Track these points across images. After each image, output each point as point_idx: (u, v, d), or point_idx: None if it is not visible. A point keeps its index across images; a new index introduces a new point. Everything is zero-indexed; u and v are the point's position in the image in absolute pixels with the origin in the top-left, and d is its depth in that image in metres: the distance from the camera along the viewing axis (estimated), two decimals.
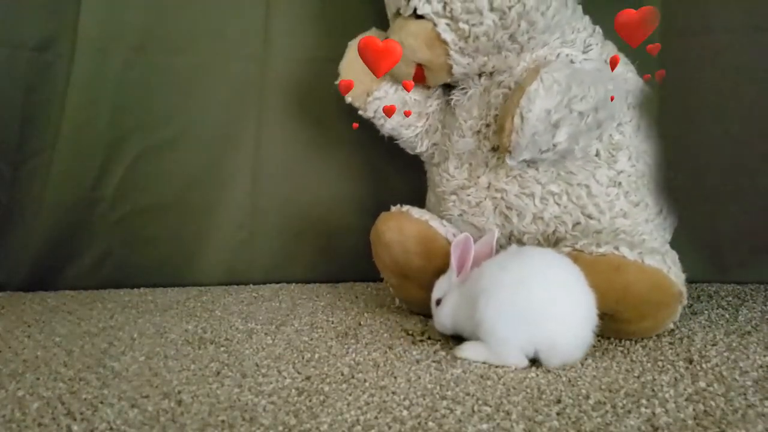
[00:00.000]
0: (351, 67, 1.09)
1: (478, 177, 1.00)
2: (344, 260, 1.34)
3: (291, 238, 1.34)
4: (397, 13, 1.02)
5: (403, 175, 1.29)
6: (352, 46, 1.10)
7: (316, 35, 1.30)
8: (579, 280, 0.80)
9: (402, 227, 0.99)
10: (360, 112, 1.11)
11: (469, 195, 1.01)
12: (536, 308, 0.76)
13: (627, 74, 1.03)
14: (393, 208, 1.04)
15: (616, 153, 0.97)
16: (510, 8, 0.92)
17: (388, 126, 1.10)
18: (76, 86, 1.23)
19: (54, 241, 1.26)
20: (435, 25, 0.96)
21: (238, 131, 1.31)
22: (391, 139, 1.14)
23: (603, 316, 0.82)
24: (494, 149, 0.99)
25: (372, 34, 1.09)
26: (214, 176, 1.31)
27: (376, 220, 1.04)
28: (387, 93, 1.08)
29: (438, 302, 0.89)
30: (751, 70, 1.17)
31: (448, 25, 0.96)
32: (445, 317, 0.88)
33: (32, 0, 1.22)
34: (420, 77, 1.02)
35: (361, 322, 1.00)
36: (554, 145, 0.89)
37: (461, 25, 0.95)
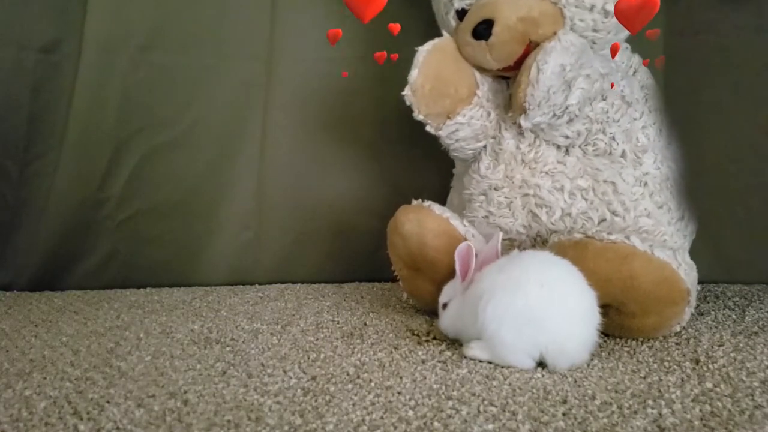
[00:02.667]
0: (432, 77, 1.00)
1: (513, 176, 1.00)
2: (350, 260, 1.34)
3: (296, 239, 1.34)
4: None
5: (410, 176, 1.29)
6: (429, 55, 1.01)
7: (321, 35, 1.29)
8: (578, 280, 0.80)
9: (422, 220, 0.99)
10: (428, 128, 1.03)
11: (500, 195, 1.01)
12: (535, 310, 0.76)
13: (646, 80, 1.06)
14: (414, 202, 1.03)
15: (641, 155, 1.00)
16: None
17: (457, 145, 1.05)
18: (83, 87, 1.23)
19: (60, 240, 1.26)
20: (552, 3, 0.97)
21: (244, 131, 1.31)
22: (398, 140, 1.14)
23: (608, 309, 0.81)
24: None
25: (445, 42, 1.03)
26: (220, 176, 1.31)
27: (385, 219, 1.05)
28: (471, 118, 1.02)
29: (444, 306, 0.89)
30: (755, 69, 1.16)
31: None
32: (449, 321, 0.88)
33: (39, 1, 1.23)
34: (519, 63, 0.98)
35: (367, 323, 1.00)
36: (567, 108, 0.91)
37: (566, 12, 0.97)
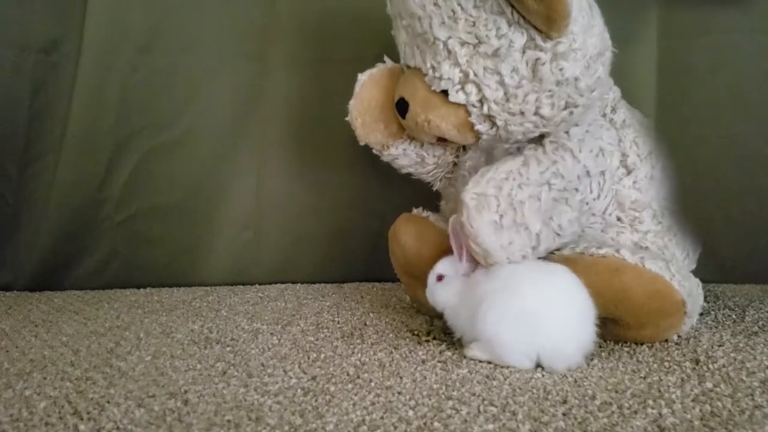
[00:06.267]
0: (363, 111, 1.00)
1: None
2: (349, 260, 1.34)
3: (296, 238, 1.34)
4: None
5: (409, 176, 1.29)
6: (362, 88, 1.01)
7: (318, 35, 1.30)
8: (572, 281, 0.80)
9: (421, 233, 1.00)
10: (375, 152, 1.04)
11: None
12: (531, 312, 0.76)
13: (628, 116, 0.97)
14: (415, 210, 1.05)
15: (640, 213, 0.93)
16: (557, 116, 0.85)
17: (404, 171, 1.05)
18: (82, 87, 1.23)
19: (60, 241, 1.26)
20: (468, 114, 0.86)
21: (243, 131, 1.31)
22: None
23: (605, 321, 0.81)
24: None
25: (386, 66, 1.02)
26: (219, 176, 1.32)
27: (384, 219, 1.05)
28: (405, 150, 1.01)
29: (439, 278, 0.88)
30: (749, 70, 1.16)
31: (482, 116, 0.86)
32: (443, 297, 0.88)
33: (39, 2, 1.23)
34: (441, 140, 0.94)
35: (367, 322, 1.00)
36: (538, 235, 0.82)
37: (498, 121, 0.86)
